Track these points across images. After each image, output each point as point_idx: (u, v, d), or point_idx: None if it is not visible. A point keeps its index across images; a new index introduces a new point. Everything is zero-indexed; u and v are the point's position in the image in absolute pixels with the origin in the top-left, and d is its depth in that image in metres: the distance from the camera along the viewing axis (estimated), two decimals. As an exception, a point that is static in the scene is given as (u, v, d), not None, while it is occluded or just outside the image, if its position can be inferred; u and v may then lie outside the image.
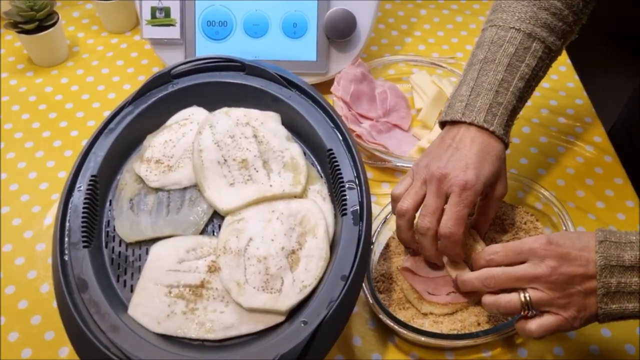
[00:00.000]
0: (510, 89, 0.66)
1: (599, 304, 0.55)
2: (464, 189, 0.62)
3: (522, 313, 0.57)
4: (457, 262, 0.65)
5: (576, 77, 0.97)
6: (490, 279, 0.58)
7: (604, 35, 1.99)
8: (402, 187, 0.66)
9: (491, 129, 0.64)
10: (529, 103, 0.91)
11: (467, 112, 0.65)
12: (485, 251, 0.60)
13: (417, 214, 0.65)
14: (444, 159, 0.64)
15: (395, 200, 0.66)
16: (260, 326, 0.57)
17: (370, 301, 0.66)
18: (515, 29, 0.67)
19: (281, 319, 0.57)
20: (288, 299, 0.57)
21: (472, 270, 0.63)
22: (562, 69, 0.98)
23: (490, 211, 0.67)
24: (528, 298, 0.56)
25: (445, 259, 0.66)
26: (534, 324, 0.56)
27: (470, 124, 0.65)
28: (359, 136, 0.83)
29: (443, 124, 0.69)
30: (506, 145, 0.66)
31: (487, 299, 0.59)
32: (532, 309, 0.56)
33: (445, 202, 0.63)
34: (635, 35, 2.04)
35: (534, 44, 0.66)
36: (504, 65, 0.66)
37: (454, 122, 0.67)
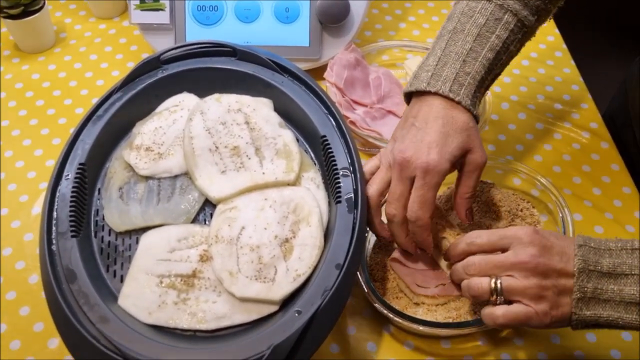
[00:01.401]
0: (479, 59, 0.63)
1: (573, 308, 0.53)
2: (427, 171, 0.60)
3: (490, 299, 0.56)
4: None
5: (572, 62, 0.96)
6: (471, 266, 0.58)
7: (600, 21, 1.98)
8: (367, 167, 0.65)
9: (457, 99, 0.61)
10: (524, 89, 0.91)
11: (433, 81, 0.63)
12: (467, 235, 0.59)
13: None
14: (406, 141, 0.62)
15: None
16: (254, 316, 0.56)
17: (365, 290, 0.65)
18: (487, 0, 0.64)
19: (275, 308, 0.56)
20: (281, 289, 0.56)
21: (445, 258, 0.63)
22: (558, 54, 0.97)
23: (468, 183, 0.63)
24: (499, 284, 0.55)
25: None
26: (501, 310, 0.55)
27: (435, 93, 0.62)
28: (352, 123, 0.82)
29: (409, 97, 0.66)
30: (475, 116, 0.63)
31: (463, 283, 0.58)
32: (500, 295, 0.55)
33: (412, 186, 0.61)
34: (632, 21, 2.04)
35: (506, 16, 0.64)
36: (473, 36, 0.63)
37: (419, 94, 0.64)
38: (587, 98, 0.90)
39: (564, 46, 0.98)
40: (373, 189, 0.62)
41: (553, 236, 0.56)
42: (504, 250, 0.57)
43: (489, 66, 0.64)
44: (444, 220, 0.68)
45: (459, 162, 0.63)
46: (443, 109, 0.62)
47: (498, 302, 0.56)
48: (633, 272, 0.53)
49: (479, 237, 0.58)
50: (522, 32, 0.65)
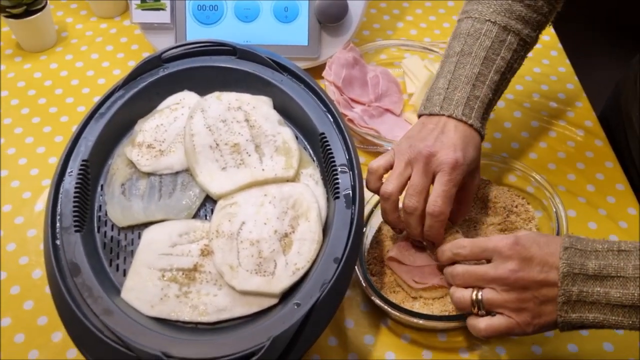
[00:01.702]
0: (487, 83, 0.66)
1: (558, 312, 0.54)
2: (454, 167, 0.62)
3: (472, 310, 0.57)
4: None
5: (567, 61, 0.97)
6: (455, 276, 0.59)
7: (596, 21, 1.99)
8: (382, 161, 0.66)
9: (469, 122, 0.65)
10: (519, 87, 0.92)
11: (445, 105, 0.66)
12: (453, 244, 0.61)
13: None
14: (430, 140, 0.64)
15: (371, 172, 0.66)
16: (254, 309, 0.57)
17: (363, 284, 0.66)
18: (491, 22, 0.67)
19: (274, 301, 0.57)
20: (281, 282, 0.57)
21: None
22: (554, 53, 0.98)
23: (469, 200, 0.67)
24: (480, 297, 0.57)
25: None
26: (483, 323, 0.57)
27: (449, 116, 0.65)
28: (351, 121, 0.83)
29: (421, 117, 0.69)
30: (482, 137, 0.67)
31: (450, 292, 0.60)
32: (482, 308, 0.57)
33: (432, 182, 0.63)
34: (632, 21, 2.05)
35: (509, 37, 0.67)
36: (480, 59, 0.67)
37: (432, 115, 0.67)
38: (581, 97, 0.92)
39: (560, 45, 0.99)
40: (393, 185, 0.64)
41: (535, 245, 0.56)
42: (488, 260, 0.58)
43: (496, 88, 0.68)
44: None
45: (467, 175, 0.65)
46: (460, 125, 0.65)
47: (480, 314, 0.57)
48: (619, 274, 0.53)
49: (463, 248, 0.60)
50: (525, 49, 0.70)
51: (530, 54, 0.83)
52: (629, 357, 0.66)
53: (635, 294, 0.52)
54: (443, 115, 0.66)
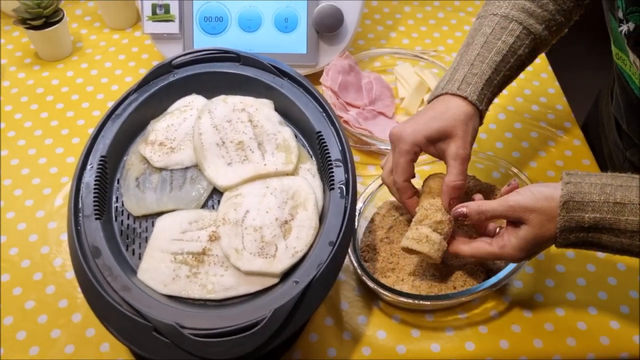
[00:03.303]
0: (486, 62, 0.70)
1: (557, 244, 0.62)
2: (398, 139, 0.69)
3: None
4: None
5: (549, 68, 1.04)
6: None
7: (579, 29, 2.03)
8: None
9: (464, 95, 0.69)
10: (504, 92, 0.98)
11: (448, 86, 0.71)
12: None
13: None
14: (407, 121, 0.71)
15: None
16: (257, 287, 0.63)
17: (357, 269, 0.72)
18: (494, 14, 0.72)
19: (275, 280, 0.63)
20: (281, 263, 0.63)
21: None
22: (537, 60, 1.04)
23: (451, 171, 0.68)
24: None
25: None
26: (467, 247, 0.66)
27: (446, 94, 0.70)
28: (346, 122, 0.90)
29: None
30: (480, 110, 0.70)
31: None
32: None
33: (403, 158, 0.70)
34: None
35: (511, 24, 0.71)
36: (481, 44, 0.71)
37: (436, 97, 0.72)
38: (561, 100, 0.98)
39: (542, 54, 1.06)
40: (384, 172, 0.73)
41: (538, 245, 0.62)
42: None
43: (496, 67, 0.70)
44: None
45: (440, 147, 0.69)
46: (453, 99, 0.69)
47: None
48: (612, 227, 0.59)
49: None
50: (530, 39, 0.72)
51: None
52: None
53: (624, 242, 0.59)
54: (442, 94, 0.71)
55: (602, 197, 0.59)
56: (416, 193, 0.72)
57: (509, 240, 0.63)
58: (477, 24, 0.74)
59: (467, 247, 0.67)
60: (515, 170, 0.82)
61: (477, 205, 0.65)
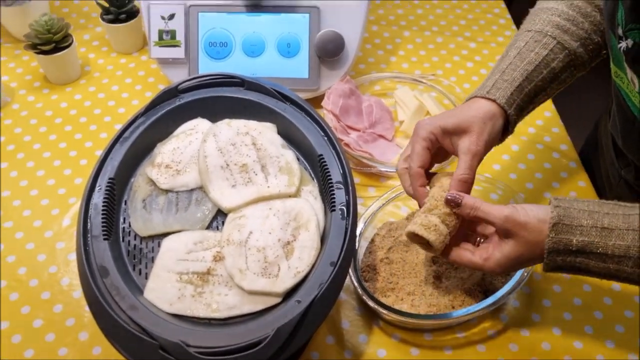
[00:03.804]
0: (517, 70, 0.71)
1: (544, 267, 0.63)
2: (416, 128, 0.70)
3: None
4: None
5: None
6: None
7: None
8: None
9: (492, 97, 0.69)
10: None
11: (478, 91, 0.72)
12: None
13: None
14: None
15: None
16: (260, 306, 0.65)
17: (358, 289, 0.74)
18: (528, 30, 0.74)
19: (278, 300, 0.65)
20: (284, 283, 0.65)
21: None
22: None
23: (460, 164, 0.68)
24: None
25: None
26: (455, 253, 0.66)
27: (476, 97, 0.71)
28: (347, 145, 0.92)
29: None
30: (508, 114, 0.70)
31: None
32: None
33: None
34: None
35: (545, 39, 0.72)
36: (514, 55, 0.73)
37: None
38: (557, 123, 1.01)
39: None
40: (400, 158, 0.73)
41: (524, 247, 0.62)
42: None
43: (528, 75, 0.71)
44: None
45: (455, 141, 0.69)
46: (474, 102, 0.70)
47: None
48: (599, 251, 0.60)
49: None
50: (565, 54, 0.72)
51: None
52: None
53: (612, 267, 0.60)
54: (472, 97, 0.71)
55: (590, 222, 0.60)
56: (426, 183, 0.71)
57: (493, 254, 0.64)
58: (512, 40, 0.75)
59: (451, 252, 0.67)
60: (513, 192, 0.83)
61: (474, 201, 0.65)
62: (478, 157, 0.68)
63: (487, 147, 0.70)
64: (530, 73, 0.71)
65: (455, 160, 0.88)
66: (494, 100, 0.69)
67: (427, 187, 0.70)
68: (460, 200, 0.65)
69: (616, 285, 0.79)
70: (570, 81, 0.76)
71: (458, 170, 0.68)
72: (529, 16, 0.77)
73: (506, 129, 0.72)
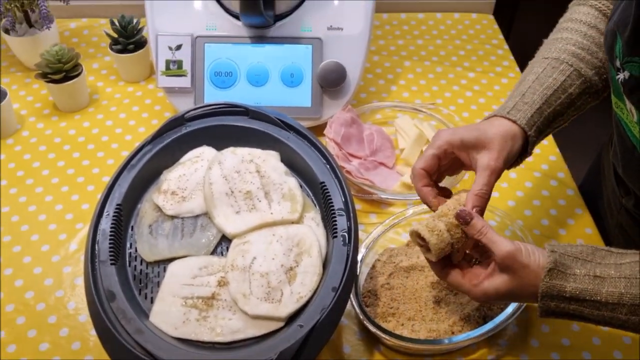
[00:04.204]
0: (537, 93, 0.72)
1: (539, 312, 0.63)
2: (435, 136, 0.70)
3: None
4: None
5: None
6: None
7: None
8: None
9: (513, 118, 0.70)
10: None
11: (499, 111, 0.73)
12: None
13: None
14: None
15: None
16: (263, 330, 0.66)
17: (359, 314, 0.75)
18: (545, 57, 0.76)
19: (281, 324, 0.66)
20: (287, 308, 0.67)
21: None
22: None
23: (478, 180, 0.68)
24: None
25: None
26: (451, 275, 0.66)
27: (496, 115, 0.72)
28: (348, 172, 0.94)
29: None
30: (527, 135, 0.70)
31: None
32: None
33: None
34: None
35: (562, 65, 0.73)
36: (532, 80, 0.74)
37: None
38: (554, 151, 1.03)
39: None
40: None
41: (507, 298, 0.64)
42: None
43: (547, 99, 0.72)
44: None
45: (473, 156, 0.69)
46: (495, 120, 0.71)
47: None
48: (592, 298, 0.61)
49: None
50: (581, 81, 0.73)
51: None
52: None
53: (606, 315, 0.61)
54: (493, 116, 0.72)
55: (583, 270, 0.62)
56: (430, 185, 0.71)
57: (482, 282, 0.64)
58: (529, 67, 0.77)
59: (442, 268, 0.68)
60: (511, 219, 0.85)
61: (482, 225, 0.65)
62: (496, 174, 0.68)
63: (505, 165, 0.70)
64: (549, 97, 0.73)
65: (463, 180, 0.89)
66: (514, 121, 0.71)
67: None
68: (469, 219, 0.65)
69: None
70: (584, 109, 0.77)
71: (475, 185, 0.67)
72: (544, 45, 0.79)
73: (524, 150, 0.73)
